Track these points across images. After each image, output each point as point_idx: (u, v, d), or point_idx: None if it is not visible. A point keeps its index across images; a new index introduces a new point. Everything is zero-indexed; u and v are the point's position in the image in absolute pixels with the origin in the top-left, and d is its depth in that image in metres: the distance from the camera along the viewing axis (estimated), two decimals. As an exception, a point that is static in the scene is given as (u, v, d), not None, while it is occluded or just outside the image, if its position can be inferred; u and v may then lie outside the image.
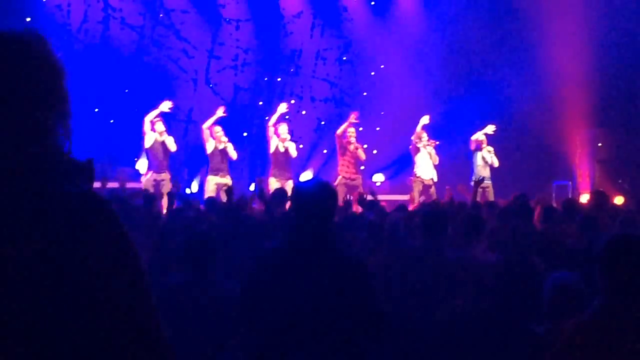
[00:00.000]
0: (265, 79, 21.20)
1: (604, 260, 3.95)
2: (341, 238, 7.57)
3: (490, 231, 8.23)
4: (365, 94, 21.95)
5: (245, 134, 17.86)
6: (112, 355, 2.06)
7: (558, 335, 4.06)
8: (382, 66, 21.83)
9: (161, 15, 20.03)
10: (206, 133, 16.66)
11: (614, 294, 3.91)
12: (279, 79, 21.36)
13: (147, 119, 16.42)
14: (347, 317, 4.34)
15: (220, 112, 16.78)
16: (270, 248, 4.72)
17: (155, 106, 16.55)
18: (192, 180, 19.17)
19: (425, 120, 17.68)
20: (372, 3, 22.17)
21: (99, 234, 2.05)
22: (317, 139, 20.90)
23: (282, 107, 17.34)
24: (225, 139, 16.68)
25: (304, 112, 20.75)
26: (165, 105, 16.57)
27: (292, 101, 20.98)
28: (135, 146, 17.59)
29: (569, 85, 20.19)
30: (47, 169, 2.09)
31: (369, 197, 11.29)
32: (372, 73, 21.95)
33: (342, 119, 20.11)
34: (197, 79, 20.38)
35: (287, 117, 17.85)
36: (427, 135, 17.71)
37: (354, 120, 17.46)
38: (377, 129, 20.80)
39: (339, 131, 17.46)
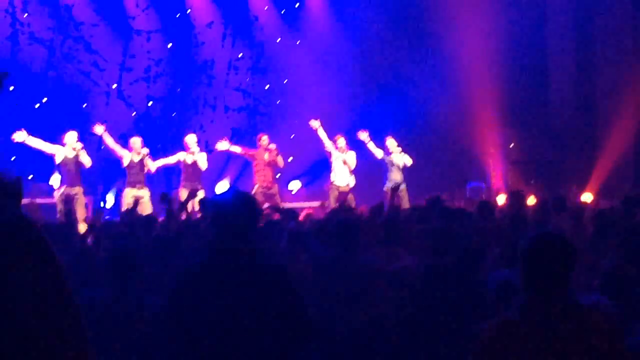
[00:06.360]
0: (178, 89, 21.06)
1: (522, 261, 4.04)
2: (262, 247, 7.59)
3: (410, 235, 8.31)
4: (278, 102, 22.00)
5: (159, 146, 17.74)
6: None
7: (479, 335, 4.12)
8: (293, 75, 21.88)
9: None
10: (117, 148, 16.47)
11: (530, 293, 4.00)
12: (191, 90, 21.25)
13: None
14: (275, 326, 4.35)
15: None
16: (193, 263, 4.70)
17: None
18: (107, 194, 18.92)
19: (314, 124, 17.77)
20: (283, 12, 22.23)
21: (29, 261, 1.99)
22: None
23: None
24: (145, 150, 16.53)
25: (213, 122, 20.74)
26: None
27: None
28: (49, 161, 17.34)
29: (480, 87, 20.53)
30: None
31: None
32: (285, 81, 22.02)
33: (255, 127, 20.17)
34: (109, 92, 20.15)
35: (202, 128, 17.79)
36: (345, 141, 17.73)
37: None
38: (292, 136, 20.82)
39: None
